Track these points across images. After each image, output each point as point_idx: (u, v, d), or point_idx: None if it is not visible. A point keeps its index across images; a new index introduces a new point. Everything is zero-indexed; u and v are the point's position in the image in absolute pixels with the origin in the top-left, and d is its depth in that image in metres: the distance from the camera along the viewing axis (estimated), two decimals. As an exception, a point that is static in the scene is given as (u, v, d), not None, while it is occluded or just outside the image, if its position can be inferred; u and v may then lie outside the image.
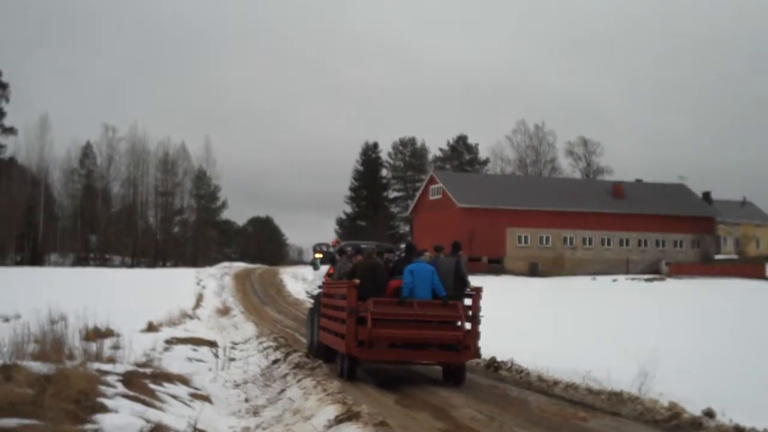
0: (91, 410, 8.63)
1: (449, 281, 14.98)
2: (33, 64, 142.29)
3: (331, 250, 21.04)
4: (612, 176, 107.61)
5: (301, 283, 58.01)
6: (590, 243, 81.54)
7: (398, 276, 14.97)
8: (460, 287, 15.12)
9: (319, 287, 19.45)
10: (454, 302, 14.61)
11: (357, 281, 14.50)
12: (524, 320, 28.54)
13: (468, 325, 14.59)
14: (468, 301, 14.93)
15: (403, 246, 17.70)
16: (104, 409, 8.85)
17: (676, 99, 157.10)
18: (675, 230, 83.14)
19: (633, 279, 66.39)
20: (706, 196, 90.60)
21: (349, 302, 14.32)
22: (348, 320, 14.27)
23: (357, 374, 14.77)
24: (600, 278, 68.13)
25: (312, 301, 21.69)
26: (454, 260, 15.63)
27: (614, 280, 64.98)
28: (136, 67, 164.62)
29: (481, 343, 14.72)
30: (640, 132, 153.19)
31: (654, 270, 77.75)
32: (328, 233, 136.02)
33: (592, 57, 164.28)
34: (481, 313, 14.82)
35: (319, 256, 21.84)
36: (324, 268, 20.60)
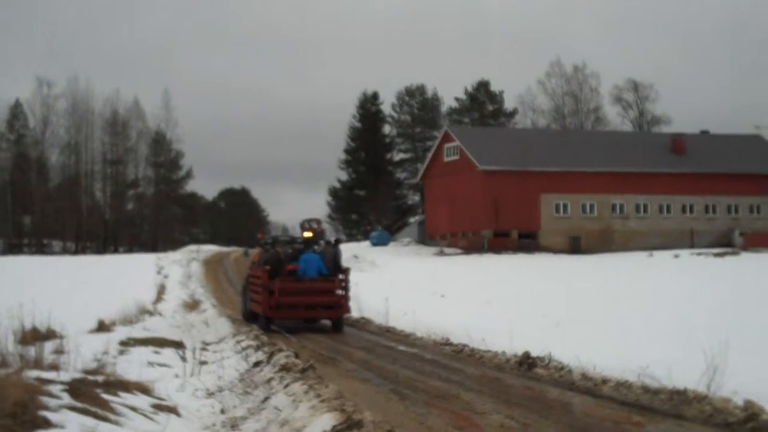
0: (32, 425, 8.70)
1: (330, 265, 26.69)
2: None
3: (261, 242, 31.37)
4: (670, 128, 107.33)
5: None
6: (645, 211, 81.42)
7: (295, 262, 26.76)
8: (336, 268, 26.95)
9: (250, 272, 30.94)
10: (332, 278, 26.40)
11: (268, 267, 26.18)
12: (565, 308, 28.64)
13: (341, 292, 26.36)
14: (341, 277, 26.70)
15: (302, 239, 29.37)
16: (47, 423, 8.91)
17: (749, 34, 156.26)
18: (751, 192, 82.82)
19: (699, 254, 66.38)
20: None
21: (263, 281, 25.95)
22: (263, 292, 25.86)
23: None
24: (658, 254, 68.03)
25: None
26: (333, 251, 27.82)
27: (676, 256, 64.96)
28: (75, 7, 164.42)
29: (510, 336, 18.49)
30: (705, 73, 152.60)
31: (725, 242, 77.70)
32: (318, 207, 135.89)
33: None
34: (351, 285, 26.84)
35: (250, 249, 36.39)
36: (253, 254, 33.05)
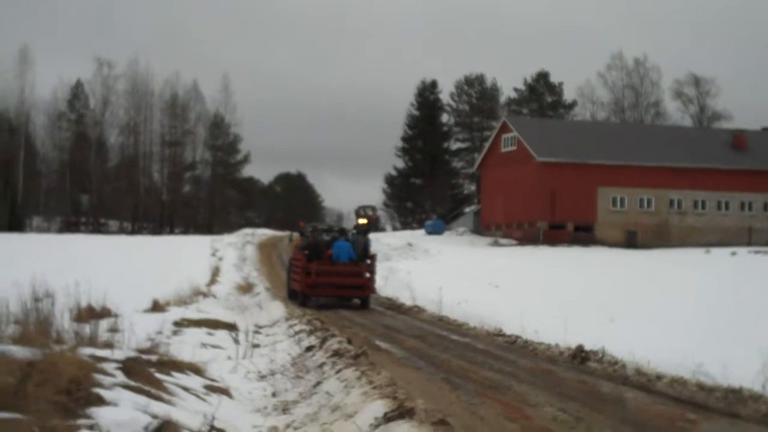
0: (85, 402, 8.75)
1: (360, 251, 31.17)
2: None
3: (304, 230, 35.45)
4: (732, 123, 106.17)
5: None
6: (703, 207, 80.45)
7: (331, 248, 30.94)
8: (365, 254, 31.36)
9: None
10: (361, 262, 30.84)
11: (306, 251, 31.01)
12: (619, 302, 28.46)
13: (368, 275, 30.77)
14: (369, 262, 31.18)
15: (337, 228, 36.03)
16: (101, 401, 8.97)
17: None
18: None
19: (757, 252, 65.60)
20: None
21: (302, 263, 30.81)
22: (302, 273, 30.63)
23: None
24: (715, 251, 67.23)
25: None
26: (364, 240, 32.08)
27: (733, 254, 64.20)
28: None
29: (564, 328, 18.75)
30: (766, 69, 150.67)
31: (784, 241, 76.62)
32: (374, 194, 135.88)
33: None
34: (376, 269, 31.74)
35: (294, 234, 41.47)
36: (295, 239, 37.46)
